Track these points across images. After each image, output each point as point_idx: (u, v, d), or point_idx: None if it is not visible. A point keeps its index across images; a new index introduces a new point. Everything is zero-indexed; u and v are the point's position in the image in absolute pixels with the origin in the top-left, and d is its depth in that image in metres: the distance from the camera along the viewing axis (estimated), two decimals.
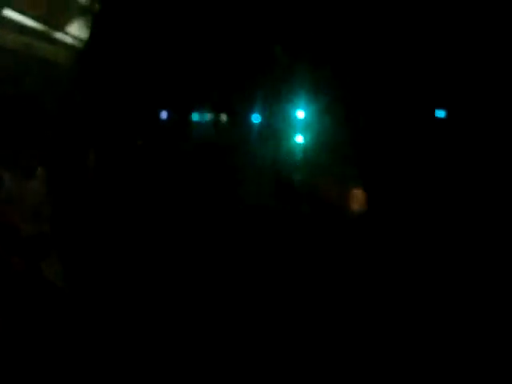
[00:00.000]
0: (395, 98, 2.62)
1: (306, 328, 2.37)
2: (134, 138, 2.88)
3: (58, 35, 2.80)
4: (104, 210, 2.71)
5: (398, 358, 2.27)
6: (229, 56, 2.74)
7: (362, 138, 2.61)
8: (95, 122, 2.76)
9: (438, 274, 2.40)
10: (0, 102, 2.59)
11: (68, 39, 2.82)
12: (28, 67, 2.66)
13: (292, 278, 2.49)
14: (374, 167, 2.59)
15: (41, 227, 2.63)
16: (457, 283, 2.36)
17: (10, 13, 2.61)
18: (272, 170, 2.70)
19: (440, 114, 2.63)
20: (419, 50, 2.58)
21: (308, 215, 2.62)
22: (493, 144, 2.49)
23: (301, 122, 2.71)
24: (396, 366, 2.26)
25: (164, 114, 2.83)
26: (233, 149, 2.76)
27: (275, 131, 2.74)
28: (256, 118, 2.75)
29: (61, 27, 2.78)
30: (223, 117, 2.82)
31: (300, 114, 2.71)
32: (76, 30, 2.82)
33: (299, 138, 2.71)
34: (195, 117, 2.84)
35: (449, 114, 2.61)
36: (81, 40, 2.84)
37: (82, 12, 2.82)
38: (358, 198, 2.61)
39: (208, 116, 2.83)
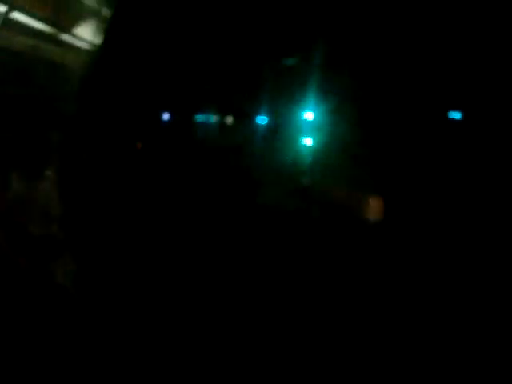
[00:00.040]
0: (408, 98, 2.58)
1: (316, 328, 2.35)
2: (141, 140, 2.89)
3: (64, 37, 2.84)
4: (112, 211, 2.72)
5: (406, 359, 2.23)
6: (234, 57, 2.72)
7: (373, 140, 2.58)
8: (103, 123, 2.78)
9: (456, 277, 2.36)
10: (9, 104, 2.62)
11: (73, 41, 2.85)
12: (35, 69, 2.70)
13: (302, 280, 2.46)
14: (384, 169, 2.56)
15: (49, 228, 2.65)
16: (474, 287, 2.33)
17: (16, 15, 2.65)
18: (281, 172, 2.68)
19: (456, 115, 2.57)
20: (434, 50, 2.54)
21: (318, 218, 2.59)
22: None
23: (310, 124, 2.67)
24: (399, 366, 2.23)
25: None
26: (239, 150, 2.74)
27: (283, 133, 2.71)
28: (262, 120, 2.71)
29: (66, 29, 2.82)
30: (229, 118, 2.80)
31: (309, 115, 2.66)
32: (81, 32, 2.85)
33: (308, 141, 2.67)
34: (201, 118, 2.83)
35: (465, 116, 2.55)
36: (86, 42, 2.86)
37: (87, 14, 2.85)
38: (368, 201, 2.57)
39: (214, 118, 2.82)
